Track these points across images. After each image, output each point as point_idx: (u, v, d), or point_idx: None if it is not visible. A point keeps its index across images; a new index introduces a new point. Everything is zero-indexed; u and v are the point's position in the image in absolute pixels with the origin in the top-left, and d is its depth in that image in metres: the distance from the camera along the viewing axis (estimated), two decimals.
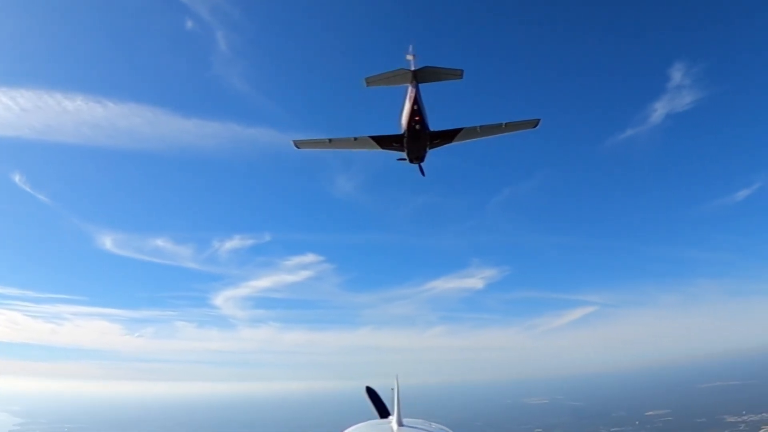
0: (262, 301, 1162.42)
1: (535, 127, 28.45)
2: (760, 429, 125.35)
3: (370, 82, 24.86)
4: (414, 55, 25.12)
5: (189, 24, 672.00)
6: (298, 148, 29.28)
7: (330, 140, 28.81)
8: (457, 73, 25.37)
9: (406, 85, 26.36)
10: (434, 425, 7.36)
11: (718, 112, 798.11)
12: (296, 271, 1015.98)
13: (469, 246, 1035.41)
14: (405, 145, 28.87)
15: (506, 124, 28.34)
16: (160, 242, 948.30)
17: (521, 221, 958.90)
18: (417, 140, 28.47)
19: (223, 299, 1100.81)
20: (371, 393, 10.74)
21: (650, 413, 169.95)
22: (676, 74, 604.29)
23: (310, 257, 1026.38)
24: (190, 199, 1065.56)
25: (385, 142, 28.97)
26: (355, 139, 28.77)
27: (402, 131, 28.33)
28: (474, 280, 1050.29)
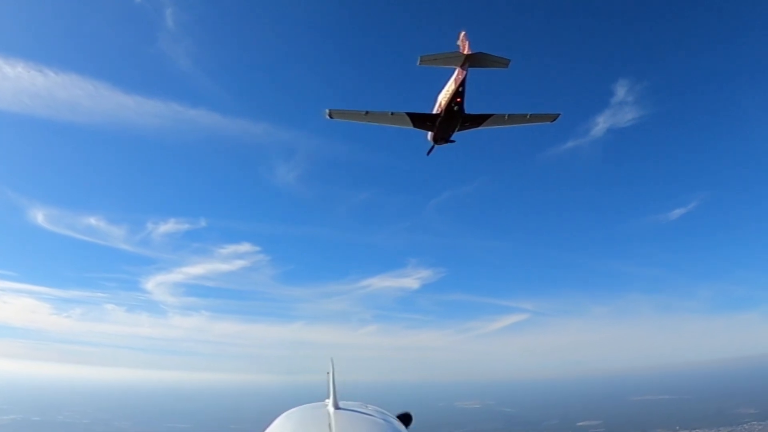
0: (194, 289, 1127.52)
1: (553, 121, 30.56)
2: None
3: (423, 60, 25.25)
4: (468, 42, 25.99)
5: None
6: (331, 117, 28.94)
7: (366, 113, 28.92)
8: (504, 62, 25.77)
9: (453, 67, 26.90)
10: (370, 407, 7.07)
11: (658, 131, 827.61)
12: (231, 260, 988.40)
13: (406, 245, 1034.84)
14: (437, 124, 29.86)
15: (530, 115, 30.37)
16: (93, 221, 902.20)
17: (459, 224, 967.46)
18: (450, 121, 29.48)
19: (155, 284, 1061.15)
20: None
21: (582, 423, 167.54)
22: (620, 90, 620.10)
23: (245, 246, 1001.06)
24: (127, 178, 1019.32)
25: (419, 120, 29.79)
26: (392, 114, 29.38)
27: (438, 111, 29.24)
28: (410, 280, 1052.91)
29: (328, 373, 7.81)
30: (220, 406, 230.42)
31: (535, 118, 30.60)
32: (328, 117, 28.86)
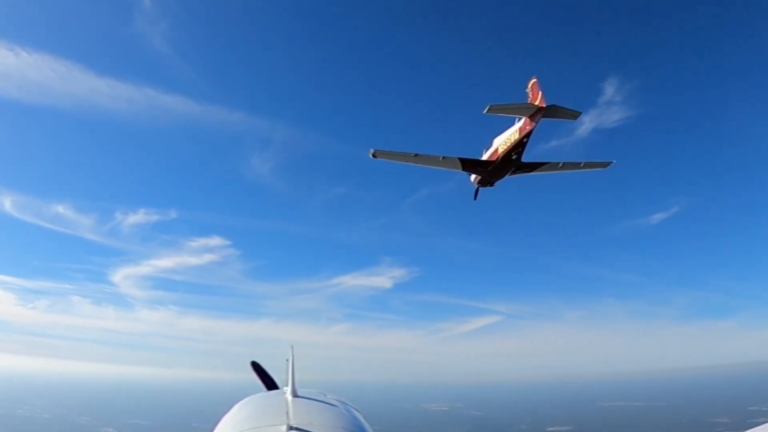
0: (162, 282, 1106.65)
1: (605, 167, 31.05)
2: None
3: (492, 109, 24.49)
4: (542, 92, 24.91)
5: None
6: (375, 157, 28.30)
7: (415, 155, 28.29)
8: (575, 114, 25.29)
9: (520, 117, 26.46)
10: (329, 396, 7.13)
11: (645, 133, 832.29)
12: (200, 253, 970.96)
13: (381, 243, 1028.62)
14: (490, 170, 29.55)
15: (584, 163, 30.95)
16: (61, 209, 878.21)
17: (436, 224, 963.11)
18: (504, 168, 29.18)
19: (122, 276, 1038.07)
20: (257, 367, 10.09)
21: (552, 429, 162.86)
22: (609, 89, 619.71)
23: (216, 240, 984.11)
24: (97, 165, 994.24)
25: (471, 165, 29.52)
26: (443, 158, 28.84)
27: (494, 158, 28.90)
28: (382, 279, 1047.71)
29: (287, 360, 7.71)
30: (183, 403, 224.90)
31: (589, 165, 30.86)
32: (371, 157, 28.14)
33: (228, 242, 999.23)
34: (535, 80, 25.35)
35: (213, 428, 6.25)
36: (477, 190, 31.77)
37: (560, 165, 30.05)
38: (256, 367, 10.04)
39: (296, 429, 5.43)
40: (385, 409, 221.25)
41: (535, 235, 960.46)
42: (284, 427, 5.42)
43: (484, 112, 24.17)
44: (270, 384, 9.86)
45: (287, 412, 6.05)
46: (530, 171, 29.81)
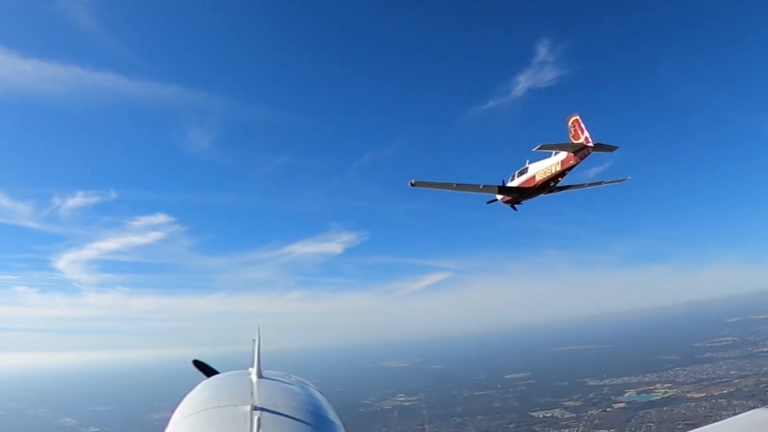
0: (109, 265, 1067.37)
1: (622, 182, 33.15)
2: (625, 392, 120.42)
3: (543, 148, 25.70)
4: (587, 130, 25.99)
5: None
6: (413, 186, 29.00)
7: (456, 185, 29.51)
8: (612, 149, 26.73)
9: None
10: (294, 377, 7.24)
11: (578, 91, 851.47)
12: (145, 232, 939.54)
13: (329, 210, 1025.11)
14: (523, 195, 30.89)
15: (604, 182, 32.82)
16: None
17: (382, 187, 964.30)
18: (538, 193, 30.50)
19: (67, 262, 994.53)
20: (200, 365, 9.46)
21: (510, 376, 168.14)
22: (542, 49, 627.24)
23: (160, 218, 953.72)
24: (29, 150, 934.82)
25: (507, 191, 30.73)
26: (483, 186, 30.94)
27: (530, 184, 29.87)
28: (333, 245, 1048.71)
29: (254, 341, 7.65)
30: (144, 384, 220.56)
31: (607, 182, 32.89)
32: (410, 186, 28.81)
33: (173, 219, 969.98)
34: (577, 117, 26.09)
35: (175, 407, 6.08)
36: (494, 200, 32.68)
37: (586, 185, 32.14)
38: (200, 365, 9.52)
39: (260, 409, 5.47)
40: (347, 371, 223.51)
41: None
42: (248, 407, 5.46)
43: (534, 150, 25.44)
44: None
45: (252, 393, 6.09)
46: (558, 191, 31.12)
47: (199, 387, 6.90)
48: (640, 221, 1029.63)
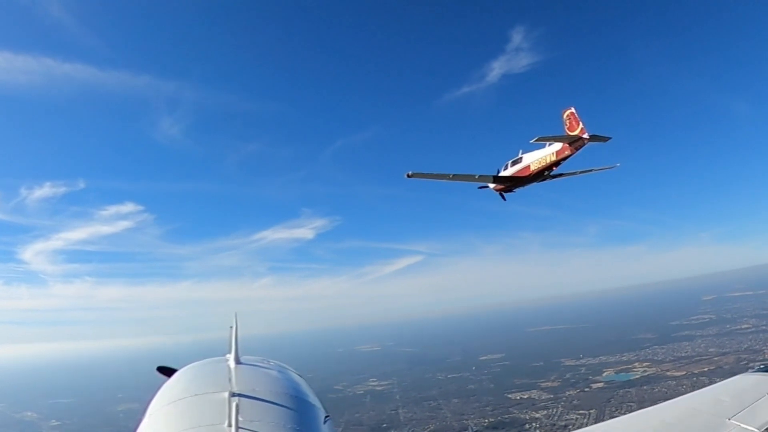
0: (75, 255, 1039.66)
1: (612, 168, 33.67)
2: (603, 372, 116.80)
3: (540, 139, 27.04)
4: (582, 122, 26.51)
5: None
6: (410, 177, 29.61)
7: (453, 175, 30.21)
8: (606, 139, 27.25)
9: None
10: (272, 362, 7.41)
11: (552, 77, 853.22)
12: (113, 221, 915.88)
13: (300, 196, 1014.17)
14: (518, 182, 31.29)
15: (595, 169, 33.13)
16: None
17: (353, 172, 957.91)
18: (532, 182, 30.93)
19: (33, 253, 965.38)
20: (165, 371, 8.68)
21: (484, 358, 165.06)
22: (516, 36, 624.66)
23: (128, 207, 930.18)
24: None
25: (502, 180, 31.22)
26: (479, 176, 31.68)
27: (525, 173, 30.29)
28: (304, 230, 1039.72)
29: (231, 327, 7.60)
30: (110, 375, 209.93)
31: (598, 169, 33.18)
32: (407, 177, 29.50)
33: (141, 207, 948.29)
34: (572, 110, 26.49)
35: (152, 397, 6.06)
36: (485, 186, 32.63)
37: (578, 172, 32.15)
38: (164, 371, 8.63)
39: (239, 395, 5.46)
40: (320, 356, 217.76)
41: None
42: (227, 394, 5.47)
43: (532, 141, 26.90)
44: None
45: (230, 379, 6.12)
46: (550, 179, 31.20)
47: (176, 375, 6.83)
48: (614, 203, 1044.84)
